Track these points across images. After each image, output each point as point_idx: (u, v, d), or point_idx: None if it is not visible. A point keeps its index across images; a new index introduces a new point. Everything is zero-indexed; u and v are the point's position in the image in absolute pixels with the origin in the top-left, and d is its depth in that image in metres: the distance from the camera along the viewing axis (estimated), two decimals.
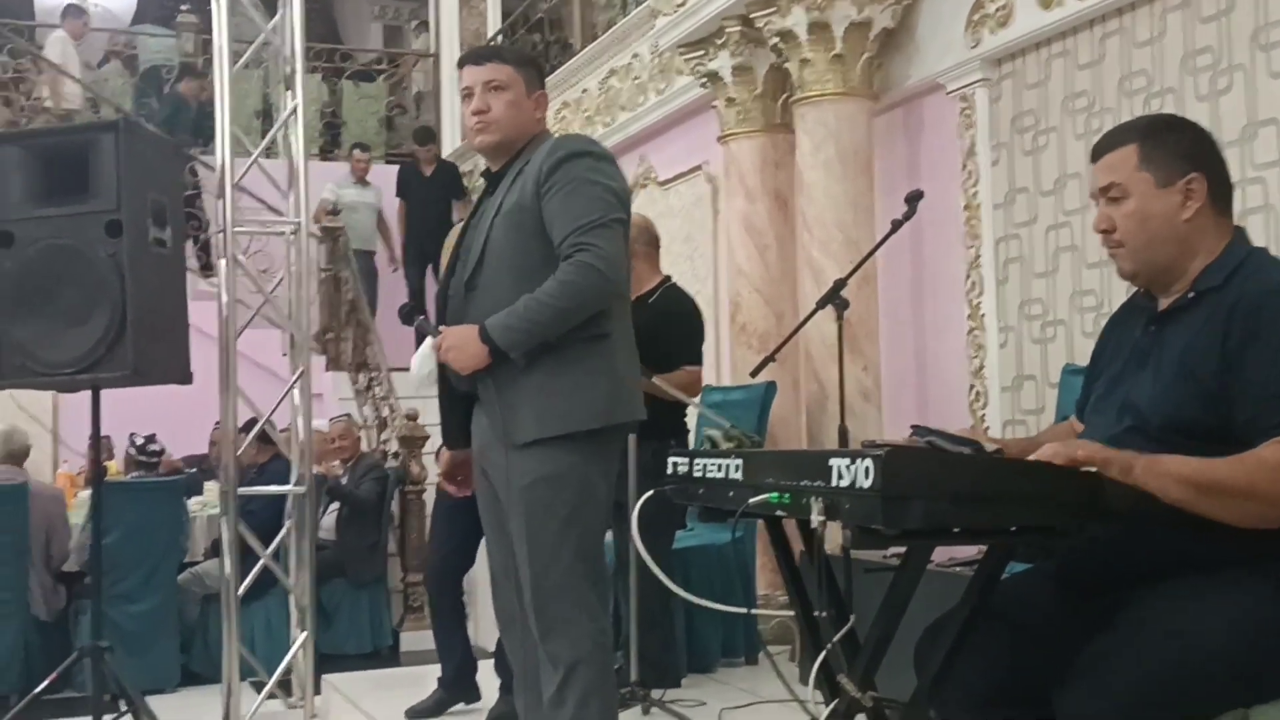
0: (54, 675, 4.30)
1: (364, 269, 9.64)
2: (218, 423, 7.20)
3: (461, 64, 3.02)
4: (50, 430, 5.90)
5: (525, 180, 2.85)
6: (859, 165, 5.20)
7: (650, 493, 2.48)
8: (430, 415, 6.34)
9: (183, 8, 10.49)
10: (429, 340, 4.48)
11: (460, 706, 4.42)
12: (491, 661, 4.34)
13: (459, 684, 4.43)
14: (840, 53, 5.11)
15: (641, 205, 6.81)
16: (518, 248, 2.83)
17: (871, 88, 5.27)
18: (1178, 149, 2.16)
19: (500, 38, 9.70)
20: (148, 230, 4.12)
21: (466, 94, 2.95)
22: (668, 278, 4.73)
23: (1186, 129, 2.22)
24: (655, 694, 4.19)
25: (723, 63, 5.79)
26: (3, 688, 5.54)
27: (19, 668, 5.59)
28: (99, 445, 4.53)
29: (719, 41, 5.75)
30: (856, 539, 1.85)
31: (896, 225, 4.26)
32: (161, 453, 6.68)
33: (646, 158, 7.37)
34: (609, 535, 4.47)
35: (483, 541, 3.95)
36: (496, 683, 4.12)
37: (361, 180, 9.71)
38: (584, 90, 7.95)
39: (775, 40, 5.29)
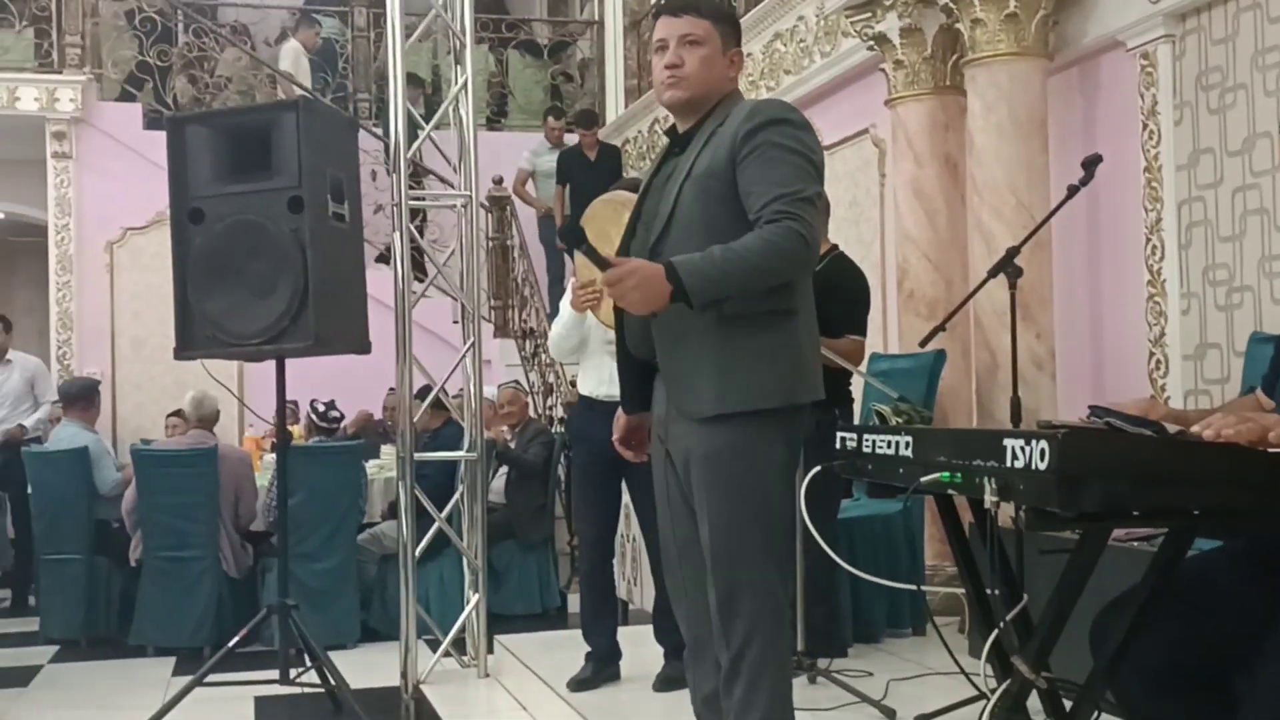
0: (245, 631, 4.53)
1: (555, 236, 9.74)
2: (392, 389, 7.46)
3: (657, 14, 2.89)
4: (236, 395, 6.18)
5: (719, 144, 2.74)
6: (1032, 127, 5.06)
7: (817, 469, 2.47)
8: None
9: None
10: (565, 315, 4.56)
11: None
12: (649, 625, 4.43)
13: (611, 655, 4.53)
14: (1014, 11, 4.96)
15: None
16: (708, 214, 2.72)
17: (1046, 47, 5.11)
18: None
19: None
20: (327, 205, 4.26)
21: (660, 46, 2.82)
22: (835, 246, 4.69)
23: None
24: (821, 664, 4.20)
25: (890, 25, 5.68)
26: (197, 641, 5.83)
27: (211, 622, 5.88)
28: (284, 412, 4.73)
29: (887, 3, 5.64)
30: (1031, 521, 1.83)
31: (1073, 191, 4.13)
32: (341, 419, 6.91)
33: (811, 121, 7.28)
34: None
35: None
36: (648, 646, 4.20)
37: (558, 146, 9.78)
38: (748, 54, 7.89)
39: (945, 1, 5.17)
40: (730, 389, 2.69)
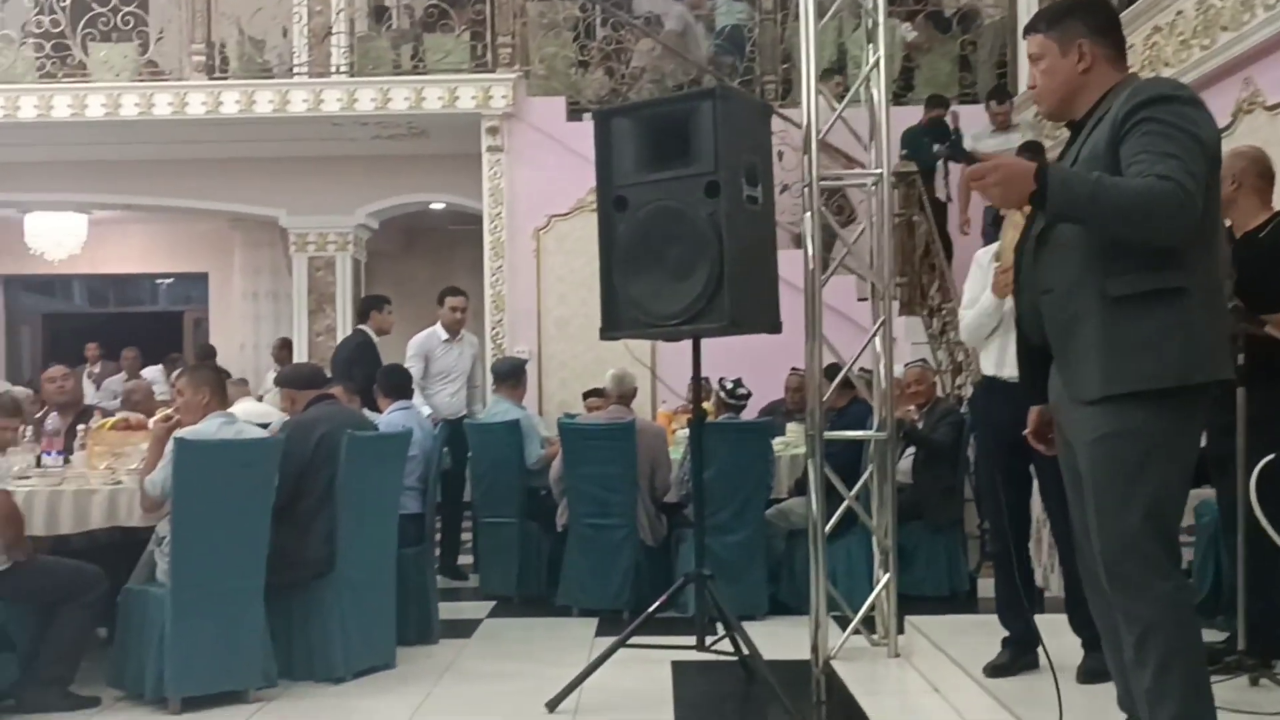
0: (665, 597, 4.75)
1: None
2: (794, 368, 7.55)
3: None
4: (655, 373, 6.46)
5: (1101, 129, 2.77)
6: None
7: (1270, 458, 2.30)
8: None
9: None
10: (985, 301, 4.43)
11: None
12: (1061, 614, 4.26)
13: (1028, 642, 4.37)
14: None
15: (1246, 133, 6.22)
16: None
17: None
18: None
19: None
20: (742, 189, 4.39)
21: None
22: (1278, 213, 4.32)
23: None
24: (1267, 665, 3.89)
25: None
26: (617, 605, 6.16)
27: (630, 587, 6.19)
28: (700, 389, 4.91)
29: None
30: None
31: None
32: (748, 396, 7.06)
33: (1252, 80, 6.70)
34: (1214, 493, 4.22)
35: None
36: (1067, 635, 4.03)
37: (1002, 129, 9.50)
38: (1178, 12, 7.36)
39: None
40: (1116, 370, 2.69)
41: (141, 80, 10.15)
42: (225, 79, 10.13)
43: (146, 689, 4.49)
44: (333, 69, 10.05)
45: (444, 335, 7.78)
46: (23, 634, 4.48)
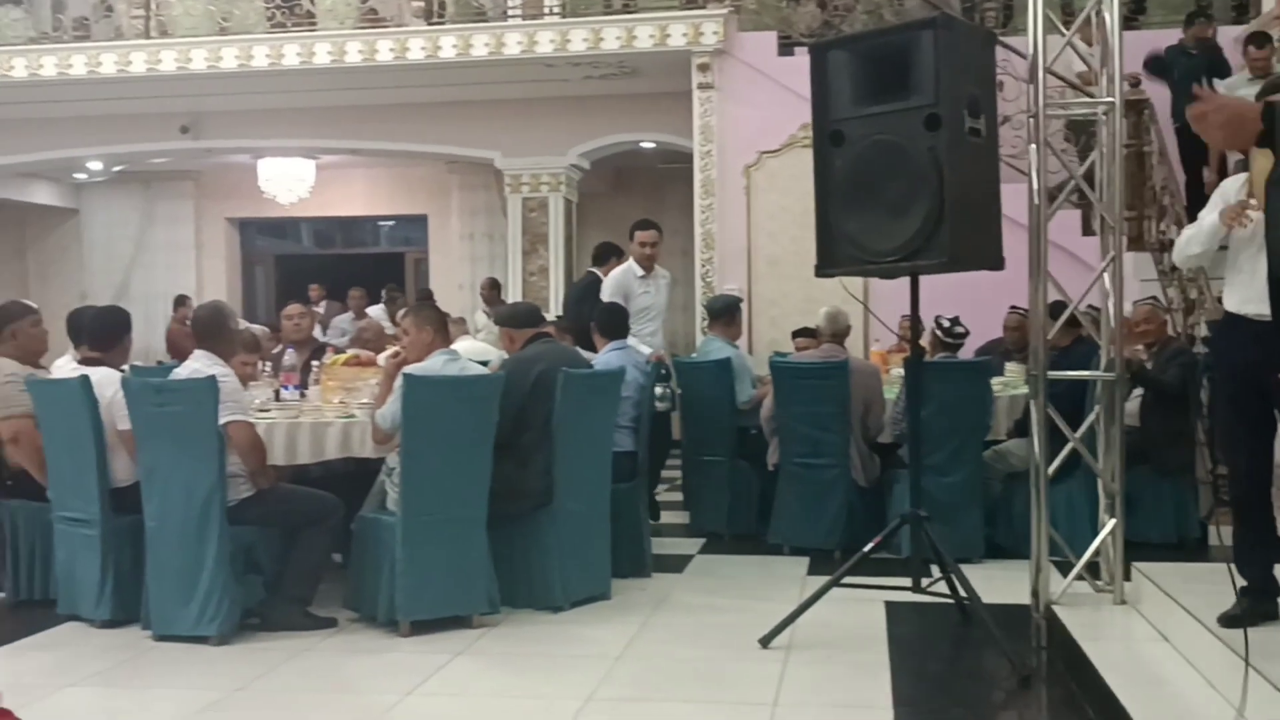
0: (880, 537, 4.71)
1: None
2: (1012, 307, 7.31)
3: None
4: (872, 312, 6.36)
5: None
6: None
7: None
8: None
9: None
10: (1205, 223, 4.19)
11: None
12: None
13: (1268, 591, 4.16)
14: None
15: None
16: None
17: None
18: None
19: None
20: (963, 121, 4.25)
21: None
22: None
23: None
24: None
25: None
26: (829, 544, 6.14)
27: (842, 527, 6.17)
28: (916, 328, 4.81)
29: None
30: None
31: None
32: (966, 334, 6.89)
33: None
34: None
35: None
36: None
37: (1262, 75, 8.89)
38: None
39: None
40: None
41: (365, 28, 10.48)
42: (443, 24, 10.37)
43: (379, 612, 4.72)
44: (545, 10, 10.17)
45: (639, 271, 7.56)
46: (268, 558, 4.77)
